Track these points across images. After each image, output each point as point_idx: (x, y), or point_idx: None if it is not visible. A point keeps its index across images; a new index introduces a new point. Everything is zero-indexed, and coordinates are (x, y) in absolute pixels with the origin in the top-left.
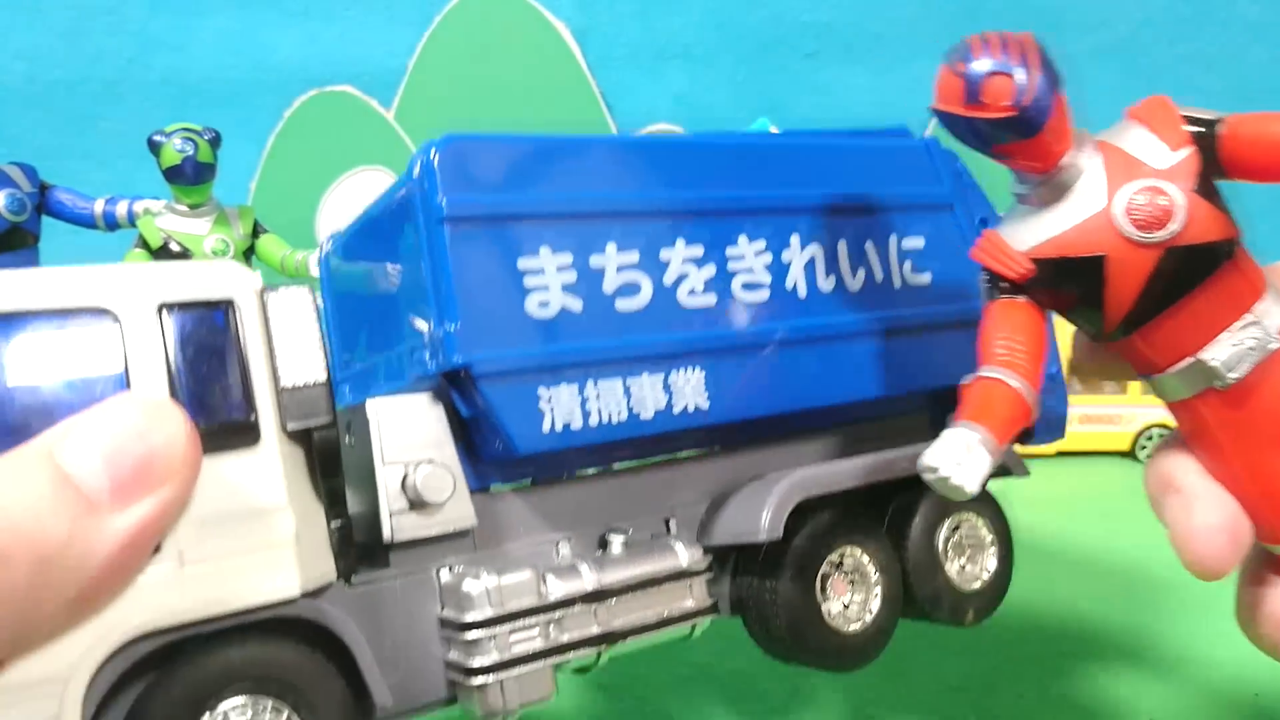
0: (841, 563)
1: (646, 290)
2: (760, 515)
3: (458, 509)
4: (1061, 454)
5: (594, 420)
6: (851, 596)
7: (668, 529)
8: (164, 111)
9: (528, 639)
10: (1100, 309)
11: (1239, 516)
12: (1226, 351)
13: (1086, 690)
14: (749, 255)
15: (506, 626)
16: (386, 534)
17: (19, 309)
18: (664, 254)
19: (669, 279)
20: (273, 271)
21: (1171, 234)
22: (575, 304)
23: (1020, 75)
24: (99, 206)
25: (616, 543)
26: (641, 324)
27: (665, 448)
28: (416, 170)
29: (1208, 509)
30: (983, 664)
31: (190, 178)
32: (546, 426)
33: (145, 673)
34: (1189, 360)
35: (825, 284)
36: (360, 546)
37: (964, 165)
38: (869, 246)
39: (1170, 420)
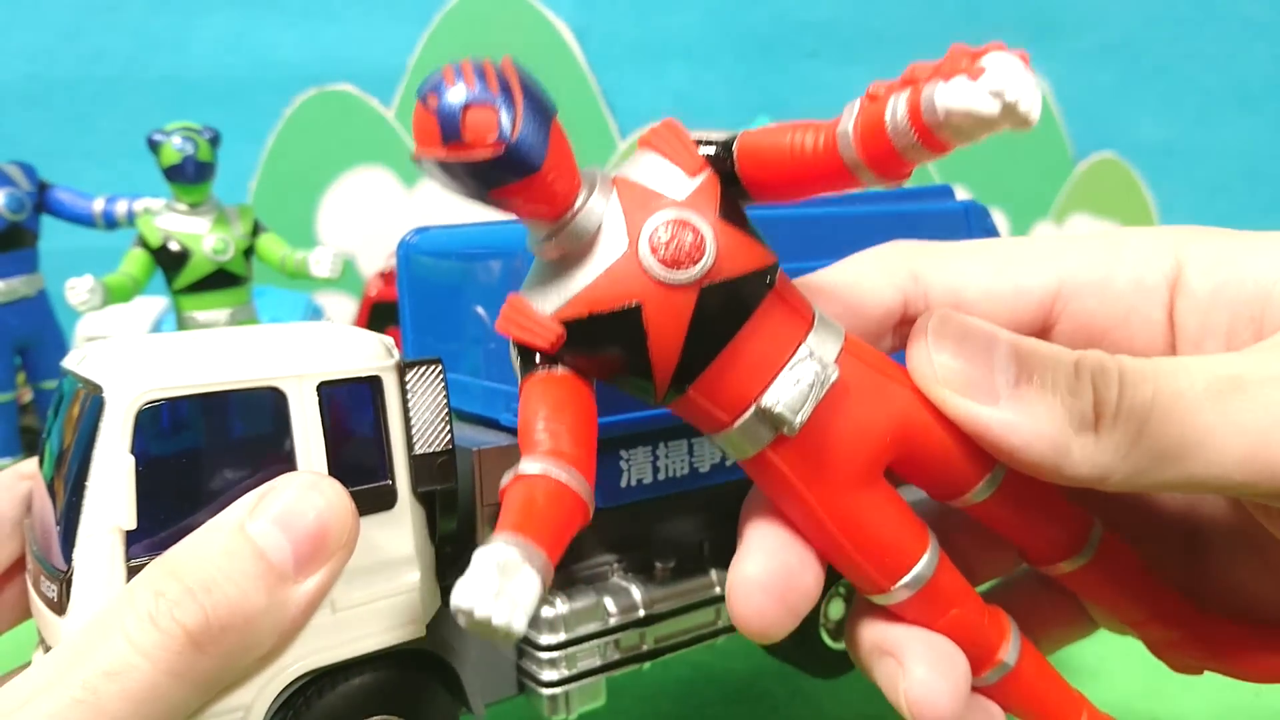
0: (845, 592)
1: None
2: None
3: None
4: None
5: (662, 475)
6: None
7: (702, 552)
8: (163, 110)
9: (589, 658)
10: (648, 367)
11: (790, 572)
12: (788, 392)
13: (1086, 690)
14: None
15: (573, 649)
16: None
17: (204, 389)
18: None
19: None
20: (272, 270)
21: (705, 269)
22: None
23: (503, 105)
24: (98, 205)
25: (662, 570)
26: None
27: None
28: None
29: (751, 561)
30: None
31: (190, 177)
32: (624, 483)
33: (294, 701)
34: (752, 408)
35: None
36: (451, 557)
37: (994, 226)
38: None
39: None
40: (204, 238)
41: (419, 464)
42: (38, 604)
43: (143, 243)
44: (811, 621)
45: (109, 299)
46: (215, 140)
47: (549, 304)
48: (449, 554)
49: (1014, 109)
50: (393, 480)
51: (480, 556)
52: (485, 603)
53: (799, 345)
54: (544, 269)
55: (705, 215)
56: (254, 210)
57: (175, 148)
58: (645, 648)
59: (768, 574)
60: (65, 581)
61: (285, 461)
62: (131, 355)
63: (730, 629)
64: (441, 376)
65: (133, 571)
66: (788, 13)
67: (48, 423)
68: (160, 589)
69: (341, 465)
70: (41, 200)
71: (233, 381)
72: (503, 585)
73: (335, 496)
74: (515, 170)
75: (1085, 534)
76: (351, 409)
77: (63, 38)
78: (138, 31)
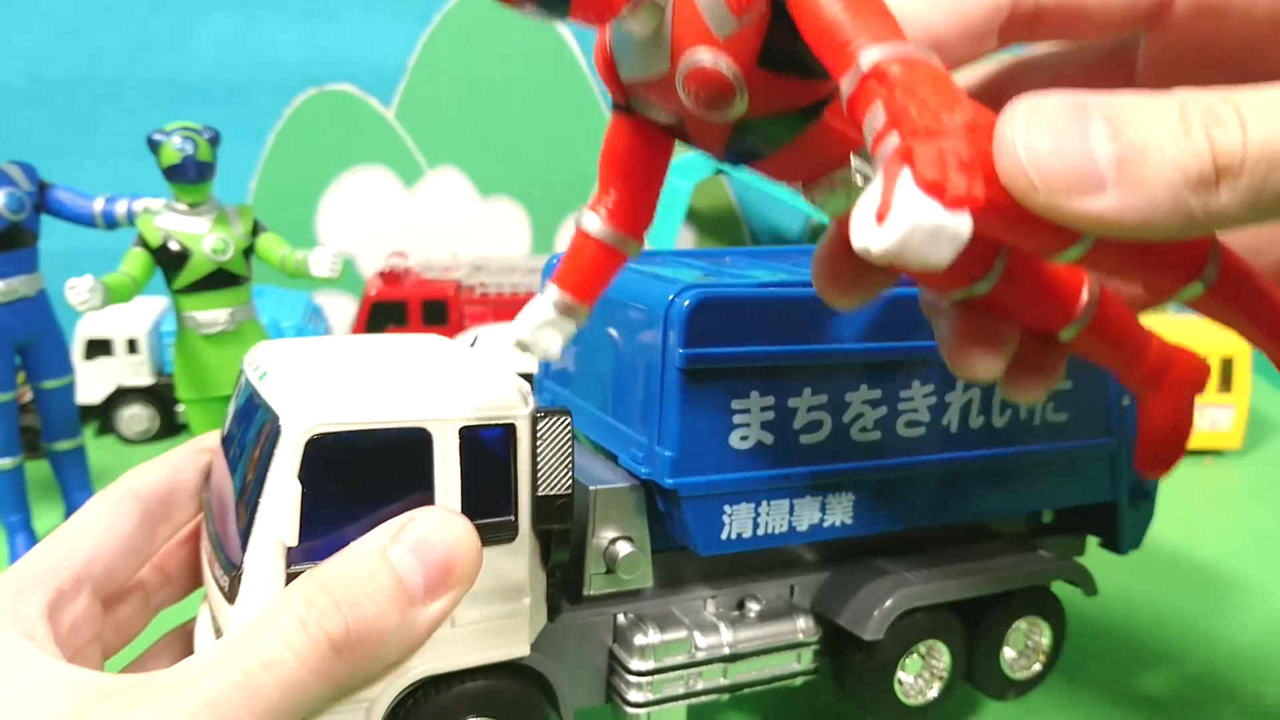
0: (923, 651)
1: (827, 427)
2: (869, 618)
3: (642, 575)
4: None
5: (761, 531)
6: (921, 675)
7: (791, 594)
8: (163, 110)
9: (673, 685)
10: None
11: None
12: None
13: (1084, 689)
14: (918, 398)
15: (660, 677)
16: (586, 590)
17: (364, 426)
18: (848, 397)
19: (847, 418)
20: (272, 270)
21: (738, 112)
22: (768, 438)
23: None
24: (98, 205)
25: (752, 609)
26: (816, 455)
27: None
28: (665, 315)
29: None
30: None
31: (190, 176)
32: (724, 536)
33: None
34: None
35: (975, 422)
36: (561, 582)
37: None
38: None
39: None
40: (204, 238)
41: (540, 504)
42: (209, 578)
43: (143, 242)
44: (889, 684)
45: (109, 299)
46: (215, 140)
47: (621, 66)
48: (559, 579)
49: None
50: (516, 517)
51: (534, 302)
52: (527, 331)
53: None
54: (626, 37)
55: (738, 61)
56: (254, 210)
57: (175, 147)
58: (726, 682)
59: None
60: (236, 577)
61: (425, 491)
62: (305, 384)
63: (810, 673)
64: (569, 426)
65: (290, 577)
66: None
67: (233, 402)
68: (312, 598)
69: (473, 499)
70: (41, 200)
71: (388, 421)
72: (540, 320)
73: (465, 532)
74: None
75: (1201, 261)
76: (487, 450)
77: (63, 38)
78: (138, 31)
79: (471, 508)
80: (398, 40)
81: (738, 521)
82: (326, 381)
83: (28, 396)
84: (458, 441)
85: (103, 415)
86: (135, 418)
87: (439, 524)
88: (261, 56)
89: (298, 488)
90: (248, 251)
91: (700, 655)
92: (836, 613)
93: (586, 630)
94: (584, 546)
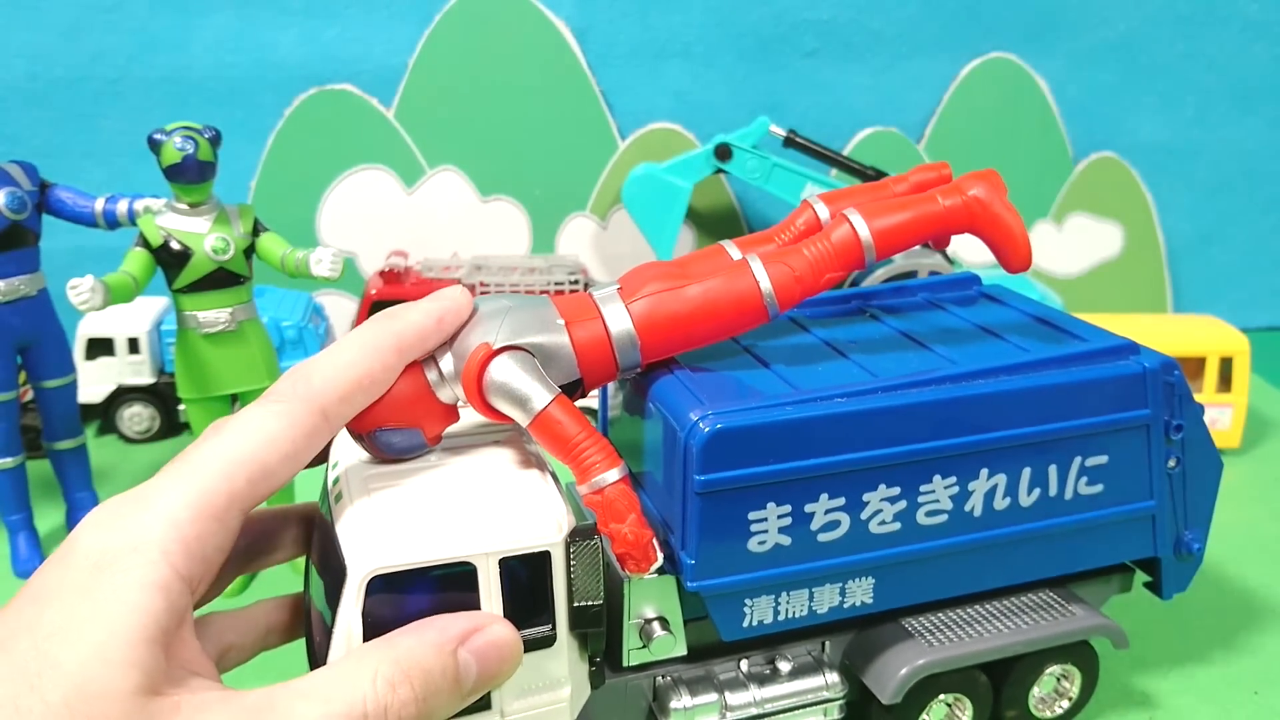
0: (949, 701)
1: (844, 525)
2: (891, 680)
3: (675, 649)
4: None
5: (781, 617)
6: None
7: (823, 650)
8: (164, 110)
9: None
10: None
11: None
12: None
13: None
14: (938, 490)
15: None
16: (625, 662)
17: (417, 565)
18: (865, 497)
19: (865, 515)
20: (273, 270)
21: None
22: (786, 540)
23: None
24: (99, 205)
25: (783, 667)
26: (834, 550)
27: None
28: (685, 440)
29: None
30: None
31: (190, 176)
32: (745, 624)
33: None
34: None
35: (1000, 504)
36: (600, 666)
37: (1180, 377)
38: (1051, 470)
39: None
40: (204, 237)
41: (576, 613)
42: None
43: (144, 242)
44: None
45: (110, 299)
46: (216, 140)
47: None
48: (599, 663)
49: None
50: (554, 626)
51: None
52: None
53: None
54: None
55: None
56: (254, 209)
57: (176, 147)
58: None
59: None
60: (324, 655)
61: (474, 609)
62: (367, 524)
63: None
64: (598, 546)
65: None
66: (787, 12)
67: (321, 501)
68: (395, 684)
69: (516, 612)
70: (42, 199)
71: (437, 559)
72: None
73: (513, 642)
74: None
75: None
76: (528, 570)
77: (63, 37)
78: (138, 31)
79: (515, 618)
80: (398, 40)
81: (758, 611)
82: (384, 519)
83: (29, 396)
84: (498, 570)
85: (104, 414)
86: (136, 417)
87: (497, 633)
88: (262, 56)
89: (360, 619)
90: (249, 251)
91: (731, 716)
92: (862, 670)
93: (628, 691)
94: (621, 629)
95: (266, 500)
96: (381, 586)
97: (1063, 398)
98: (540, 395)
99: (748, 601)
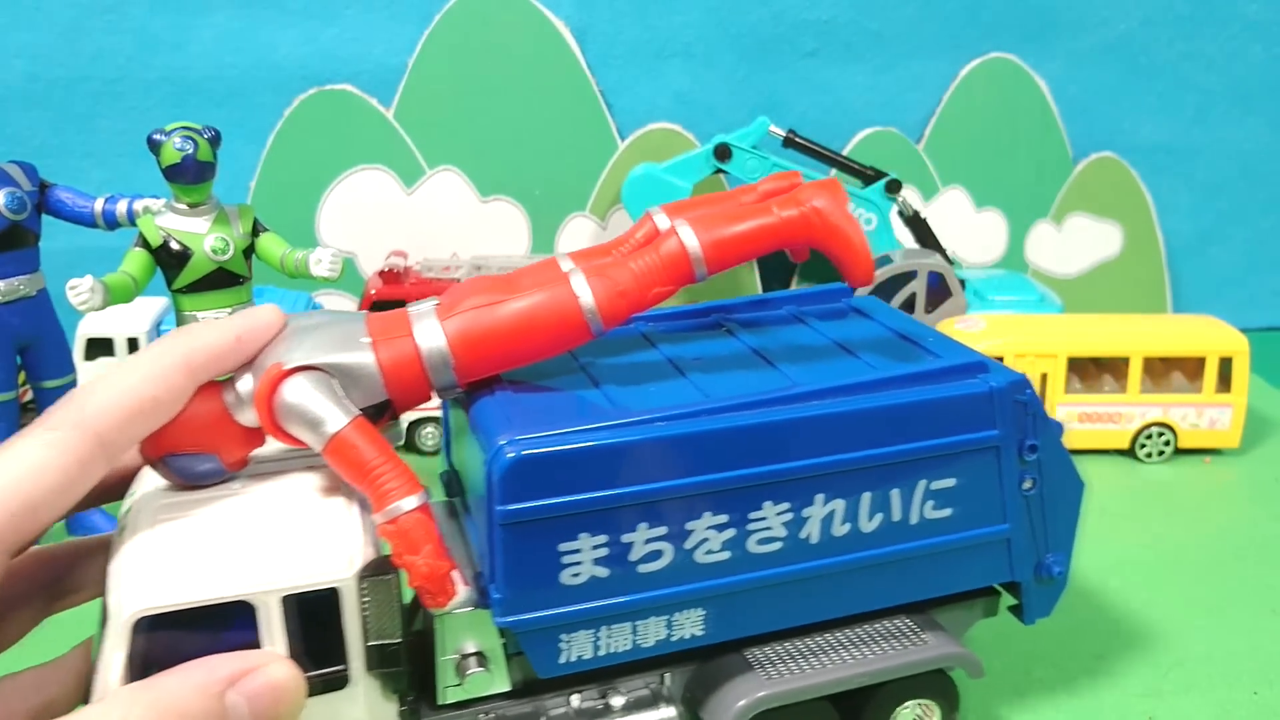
0: None
1: (668, 556)
2: (724, 715)
3: (495, 685)
4: None
5: (602, 651)
6: None
7: (662, 683)
8: (164, 110)
9: None
10: None
11: None
12: None
13: (1083, 688)
14: (770, 517)
15: None
16: (440, 700)
17: (189, 604)
18: (689, 525)
19: (690, 544)
20: (272, 270)
21: None
22: (603, 572)
23: None
24: (99, 205)
25: (617, 702)
26: (657, 582)
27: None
28: (489, 467)
29: None
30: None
31: (190, 176)
32: (563, 660)
33: None
34: None
35: (840, 530)
36: (414, 703)
37: (1032, 395)
38: (894, 494)
39: (1170, 419)
40: (204, 237)
41: (372, 653)
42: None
43: (143, 242)
44: None
45: (110, 299)
46: (216, 140)
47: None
48: (412, 703)
49: None
50: (347, 666)
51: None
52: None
53: None
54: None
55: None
56: (254, 210)
57: (175, 147)
58: None
59: None
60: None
61: (254, 648)
62: (140, 560)
63: None
64: (395, 581)
65: None
66: (787, 12)
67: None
68: None
69: (303, 652)
70: (42, 200)
71: (212, 598)
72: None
73: (293, 684)
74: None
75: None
76: (314, 609)
77: (63, 37)
78: (138, 31)
79: (304, 659)
80: (398, 40)
81: (576, 646)
82: (160, 554)
83: (29, 396)
84: (281, 609)
85: None
86: None
87: (273, 674)
88: (261, 56)
89: (123, 659)
90: (248, 251)
91: None
92: (700, 704)
93: None
94: (433, 650)
95: (41, 538)
96: (153, 626)
97: (903, 419)
98: (335, 418)
99: (564, 636)
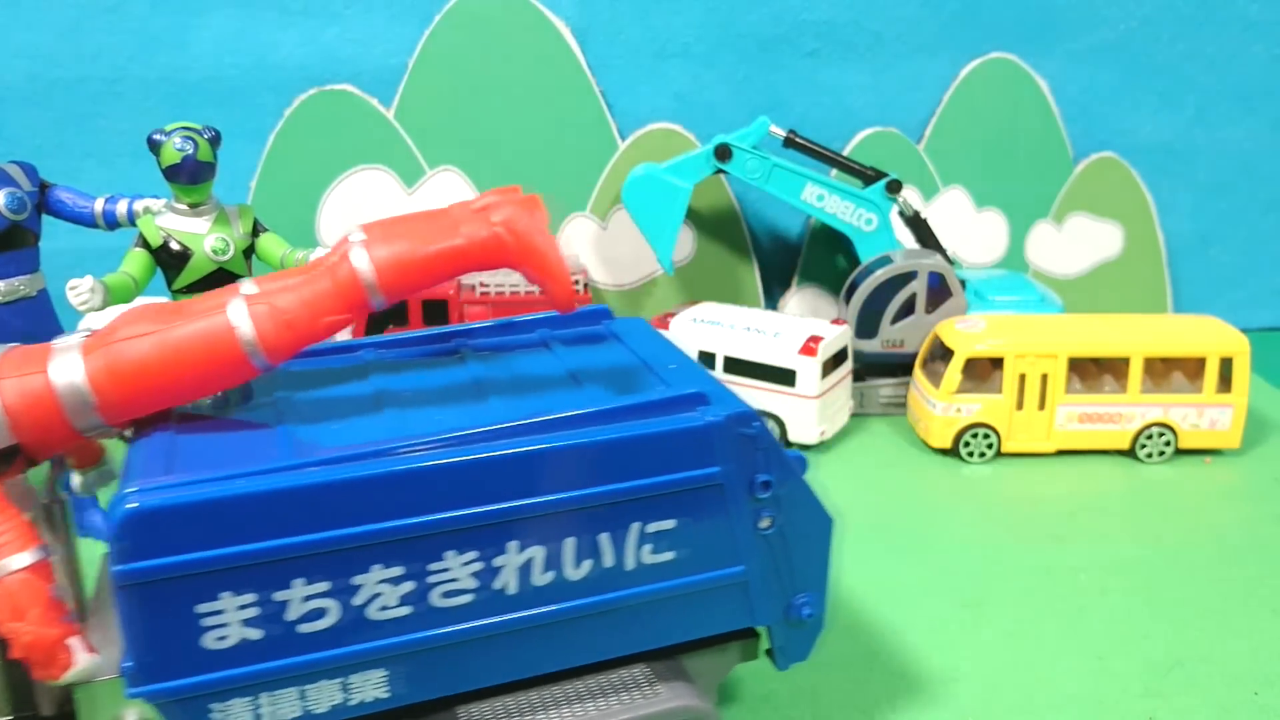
0: None
1: (334, 614)
2: None
3: None
4: (1061, 452)
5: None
6: None
7: None
8: (164, 110)
9: None
10: None
11: None
12: None
13: (1083, 688)
14: (455, 568)
15: None
16: None
17: None
18: (357, 580)
19: (359, 600)
20: (272, 269)
21: None
22: (255, 634)
23: None
24: (99, 205)
25: None
26: (323, 642)
27: None
28: (109, 523)
29: None
30: (980, 659)
31: (190, 176)
32: None
33: None
34: None
35: (541, 579)
36: None
37: (761, 428)
38: (602, 539)
39: (1171, 420)
40: (204, 237)
41: None
42: None
43: (143, 242)
44: None
45: (110, 299)
46: (216, 140)
47: None
48: None
49: None
50: None
51: None
52: None
53: None
54: None
55: None
56: (254, 210)
57: (175, 147)
58: None
59: None
60: None
61: None
62: None
63: None
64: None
65: None
66: (788, 12)
67: None
68: None
69: None
70: (42, 200)
71: None
72: None
73: None
74: None
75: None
76: None
77: (63, 37)
78: (138, 31)
79: None
80: (398, 40)
81: (232, 716)
82: None
83: None
84: None
85: None
86: None
87: None
88: (262, 56)
89: None
90: (248, 251)
91: None
92: None
93: None
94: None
95: None
96: None
97: (605, 457)
98: None
99: (214, 706)
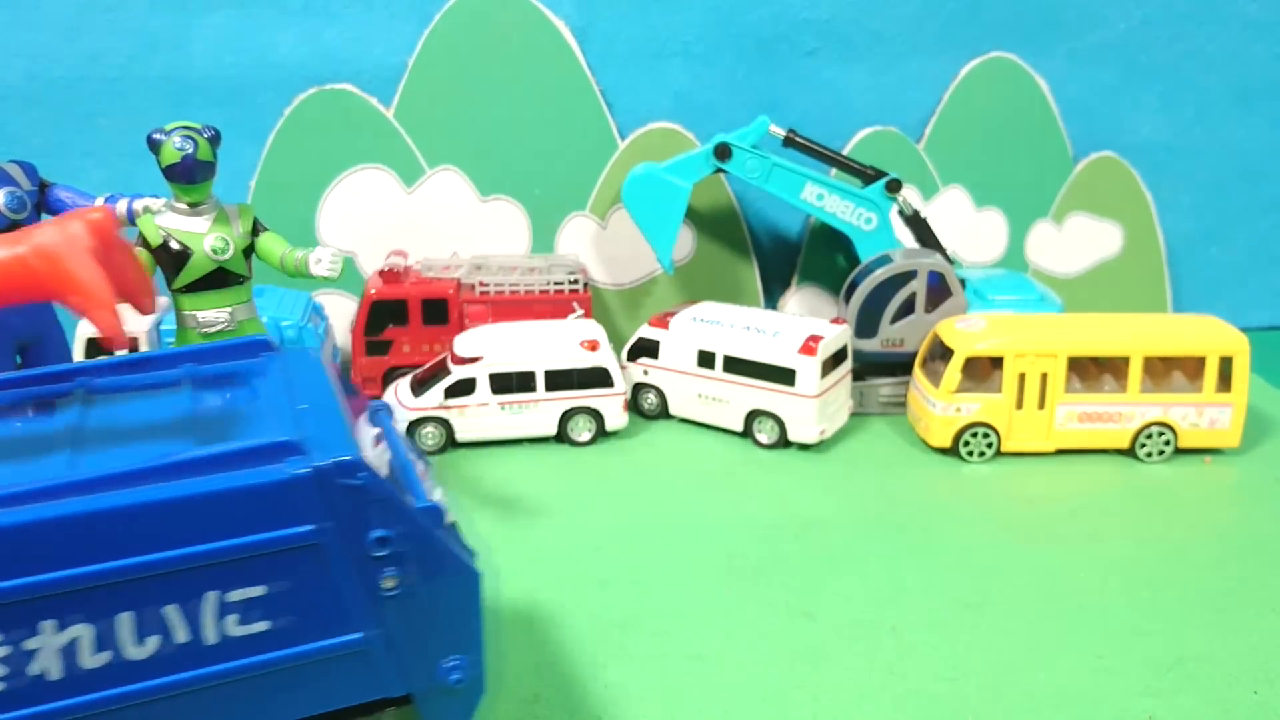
0: None
1: None
2: None
3: None
4: (1061, 452)
5: None
6: None
7: None
8: (164, 109)
9: None
10: None
11: None
12: None
13: (1083, 688)
14: None
15: None
16: None
17: None
18: None
19: None
20: (272, 270)
21: None
22: None
23: None
24: (99, 204)
25: None
26: None
27: None
28: None
29: None
30: (980, 658)
31: (190, 176)
32: None
33: None
34: None
35: (94, 661)
36: None
37: (369, 477)
38: (170, 611)
39: (1171, 419)
40: (204, 237)
41: None
42: None
43: (143, 242)
44: None
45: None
46: (215, 139)
47: None
48: None
49: None
50: None
51: None
52: None
53: None
54: None
55: None
56: (254, 209)
57: (175, 147)
58: None
59: None
60: None
61: None
62: None
63: None
64: None
65: None
66: (787, 11)
67: None
68: None
69: None
70: (42, 199)
71: None
72: None
73: None
74: None
75: None
76: None
77: (63, 36)
78: (138, 30)
79: None
80: (398, 40)
81: None
82: None
83: None
84: None
85: None
86: None
87: None
88: (262, 56)
89: None
90: (248, 251)
91: None
92: None
93: None
94: None
95: None
96: None
97: (168, 518)
98: None
99: None
